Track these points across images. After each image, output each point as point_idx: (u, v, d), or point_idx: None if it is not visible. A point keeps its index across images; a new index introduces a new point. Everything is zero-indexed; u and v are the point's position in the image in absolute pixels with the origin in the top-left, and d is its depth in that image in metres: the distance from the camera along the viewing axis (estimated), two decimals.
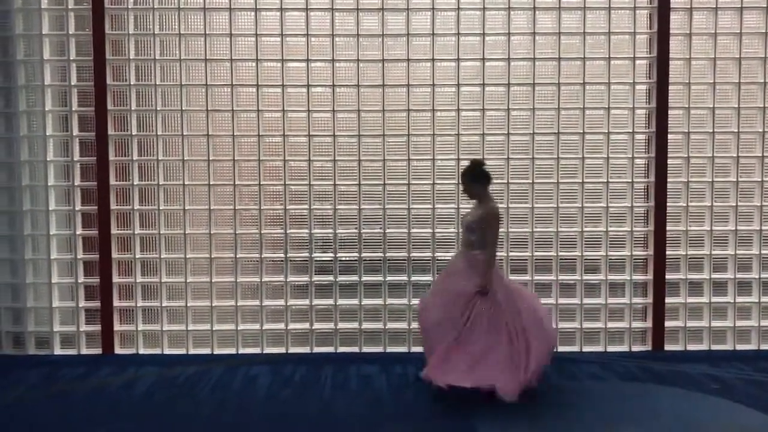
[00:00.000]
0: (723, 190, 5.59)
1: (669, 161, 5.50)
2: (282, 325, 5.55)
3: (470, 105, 5.51)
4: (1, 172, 5.49)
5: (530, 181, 5.52)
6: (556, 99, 5.49)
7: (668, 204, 5.52)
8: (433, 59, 5.46)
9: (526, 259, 5.56)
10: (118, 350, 5.52)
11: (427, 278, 5.53)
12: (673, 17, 5.45)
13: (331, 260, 5.55)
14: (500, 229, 4.54)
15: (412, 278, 5.55)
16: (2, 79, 5.45)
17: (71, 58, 5.43)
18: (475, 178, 4.53)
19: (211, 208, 5.50)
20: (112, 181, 5.47)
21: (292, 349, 5.53)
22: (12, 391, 4.64)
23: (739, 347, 5.59)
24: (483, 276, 4.36)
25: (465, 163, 5.45)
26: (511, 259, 5.55)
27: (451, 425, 4.01)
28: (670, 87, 5.47)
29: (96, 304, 5.52)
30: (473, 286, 4.37)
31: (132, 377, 4.91)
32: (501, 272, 4.65)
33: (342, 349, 5.55)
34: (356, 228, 5.54)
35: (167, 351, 5.53)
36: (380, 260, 5.55)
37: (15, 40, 5.39)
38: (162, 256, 5.52)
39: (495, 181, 5.42)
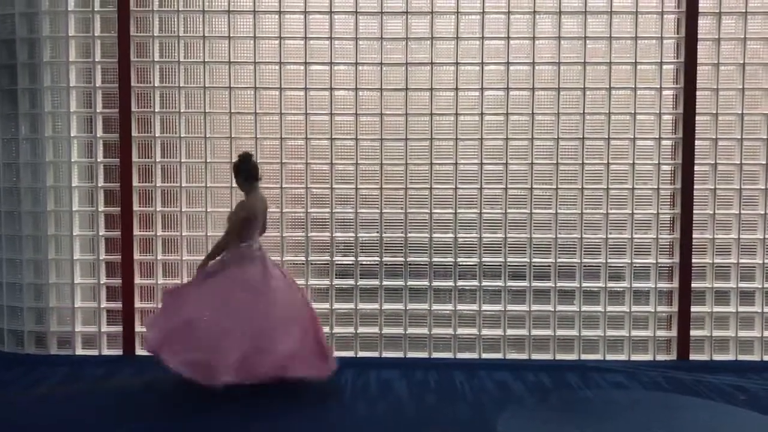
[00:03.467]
0: (751, 197, 5.50)
1: (696, 168, 5.41)
2: None
3: (494, 109, 5.47)
4: (26, 173, 5.53)
5: (554, 187, 5.46)
6: (582, 104, 5.44)
7: (695, 211, 5.43)
8: (456, 63, 5.42)
9: (550, 266, 5.50)
10: (139, 351, 5.53)
11: (448, 283, 5.49)
12: (701, 22, 5.37)
13: (352, 264, 5.53)
14: (249, 225, 4.61)
15: (434, 283, 5.51)
16: (28, 81, 5.50)
17: (96, 60, 5.47)
18: (236, 171, 4.72)
19: None
20: (135, 183, 5.50)
21: None
22: (34, 390, 4.67)
23: (767, 358, 5.48)
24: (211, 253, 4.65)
25: (488, 168, 5.48)
26: (534, 266, 5.49)
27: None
28: (698, 93, 5.39)
29: (118, 305, 5.54)
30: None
31: (152, 378, 4.90)
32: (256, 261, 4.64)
33: (362, 354, 5.52)
34: (378, 232, 5.51)
35: None
36: (402, 264, 5.52)
37: (42, 42, 5.44)
38: (184, 258, 5.53)
39: (519, 187, 5.46)
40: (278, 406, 4.32)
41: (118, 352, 5.52)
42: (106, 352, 5.55)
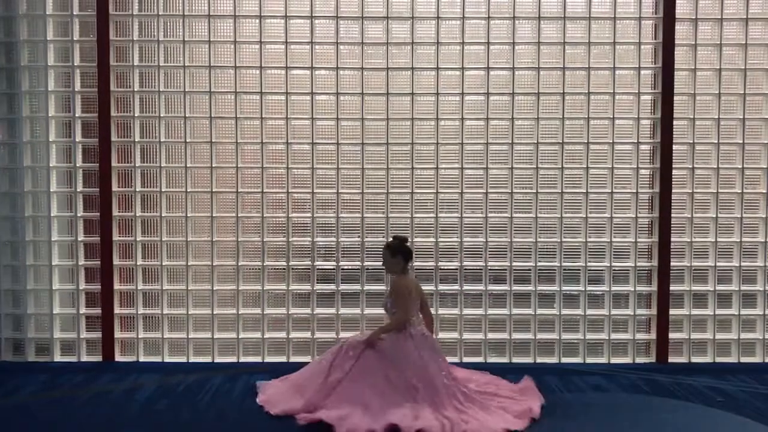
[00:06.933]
0: (728, 201, 5.56)
1: (674, 172, 5.47)
2: (283, 334, 5.51)
3: (474, 114, 5.49)
4: (3, 178, 5.48)
5: (534, 191, 5.50)
6: (561, 108, 5.48)
7: (673, 215, 5.49)
8: (437, 68, 5.45)
9: (530, 269, 5.53)
10: (119, 358, 5.49)
11: (429, 287, 5.49)
12: (678, 28, 5.43)
13: (333, 269, 5.53)
14: (410, 301, 4.44)
15: None
16: (6, 85, 5.45)
17: (75, 64, 5.43)
18: (395, 251, 4.49)
19: (214, 215, 5.48)
20: (115, 188, 5.46)
21: (293, 359, 5.48)
22: (11, 398, 4.62)
23: (744, 360, 5.54)
24: (384, 329, 4.42)
25: (468, 172, 5.51)
26: (515, 270, 5.52)
27: None
28: (675, 97, 5.45)
29: (97, 311, 5.49)
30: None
31: (132, 385, 4.87)
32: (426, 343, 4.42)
33: None
34: (359, 236, 5.51)
35: (168, 359, 5.50)
36: (382, 269, 5.49)
37: (19, 46, 5.39)
38: (163, 263, 5.50)
39: (499, 191, 5.50)
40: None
41: (98, 358, 5.47)
42: (85, 358, 5.49)
